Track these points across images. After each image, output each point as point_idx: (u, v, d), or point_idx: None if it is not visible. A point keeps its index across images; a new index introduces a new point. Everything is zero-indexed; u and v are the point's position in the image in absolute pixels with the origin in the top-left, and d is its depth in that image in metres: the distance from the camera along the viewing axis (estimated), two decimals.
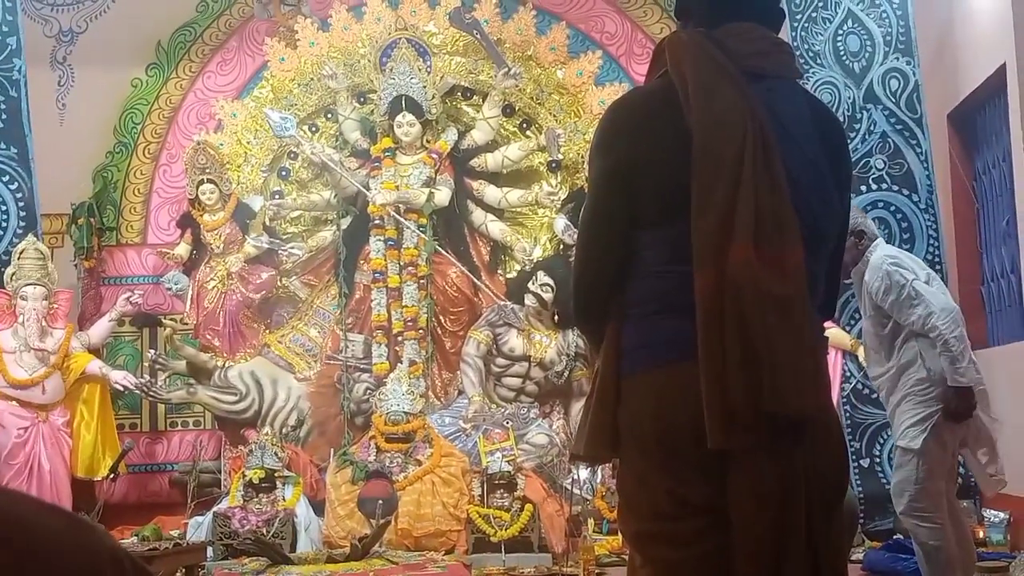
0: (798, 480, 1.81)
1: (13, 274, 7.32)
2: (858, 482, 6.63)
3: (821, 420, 1.89)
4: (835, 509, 1.92)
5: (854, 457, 6.64)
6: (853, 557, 6.21)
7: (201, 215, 8.03)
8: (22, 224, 7.54)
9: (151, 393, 7.82)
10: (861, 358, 6.67)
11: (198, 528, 6.92)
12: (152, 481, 8.11)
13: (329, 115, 8.31)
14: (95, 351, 7.80)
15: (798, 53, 6.88)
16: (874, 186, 6.74)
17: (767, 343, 1.78)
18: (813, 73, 6.85)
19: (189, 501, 7.28)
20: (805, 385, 1.81)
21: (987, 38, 6.42)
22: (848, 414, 6.70)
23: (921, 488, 4.46)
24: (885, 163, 6.75)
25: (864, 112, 6.83)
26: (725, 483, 1.81)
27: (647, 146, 1.92)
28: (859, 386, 6.72)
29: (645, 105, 2.00)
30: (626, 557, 2.01)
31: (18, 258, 7.33)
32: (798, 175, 1.89)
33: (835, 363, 6.64)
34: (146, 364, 8.11)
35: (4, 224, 7.55)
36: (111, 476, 6.94)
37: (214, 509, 7.03)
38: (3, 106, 7.54)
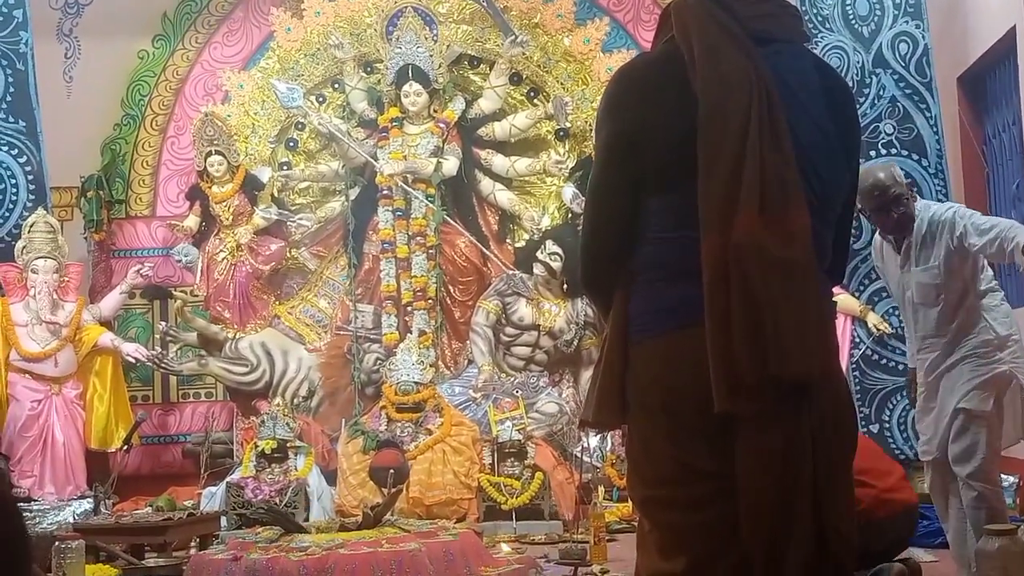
0: (804, 444, 1.82)
1: (24, 247, 7.34)
2: None
3: (828, 384, 1.89)
4: (842, 473, 1.93)
5: (863, 423, 6.65)
6: None
7: (210, 187, 8.04)
8: (32, 198, 7.55)
9: (163, 365, 7.87)
10: (871, 324, 6.67)
11: (212, 498, 6.98)
12: (165, 452, 8.18)
13: (336, 85, 8.29)
14: (106, 324, 7.84)
15: (806, 17, 6.82)
16: (883, 151, 6.70)
17: (773, 308, 1.79)
18: (822, 38, 6.80)
19: (202, 471, 7.32)
20: (811, 349, 1.82)
21: (997, 1, 6.37)
22: (857, 380, 6.70)
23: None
24: (895, 128, 6.71)
25: (873, 76, 6.79)
26: (732, 448, 1.82)
27: (653, 112, 1.92)
28: (868, 351, 6.72)
29: (651, 71, 1.99)
30: (636, 523, 2.02)
31: (28, 231, 7.35)
32: (805, 140, 1.89)
33: (844, 329, 6.63)
34: (157, 336, 8.17)
35: (14, 197, 7.56)
36: (125, 448, 6.99)
37: (227, 479, 7.08)
38: (10, 79, 7.54)
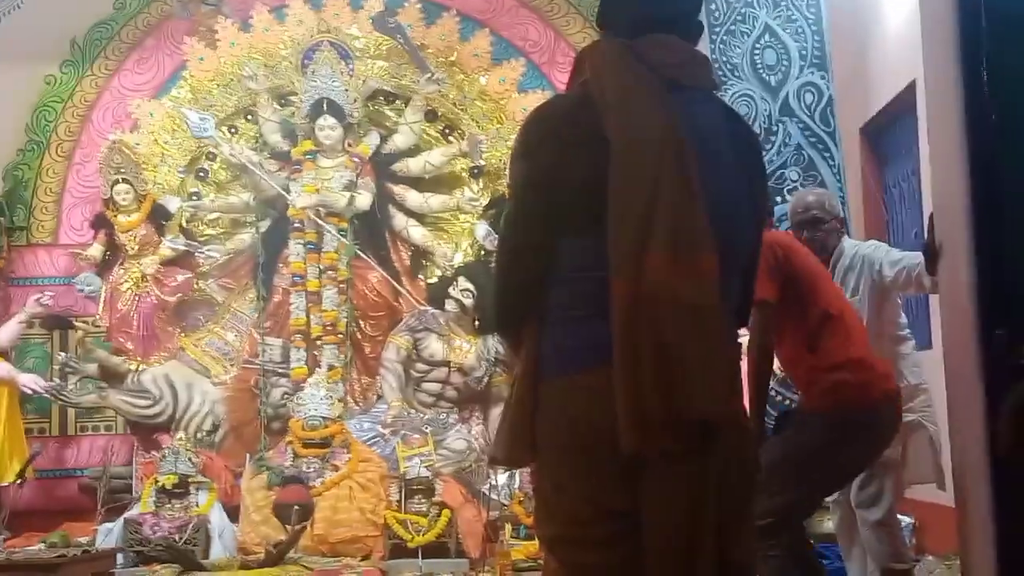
0: (709, 484, 1.85)
1: None
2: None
3: (733, 426, 1.93)
4: (746, 513, 1.96)
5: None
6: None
7: (115, 216, 7.89)
8: None
9: (61, 397, 7.65)
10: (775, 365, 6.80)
11: (108, 535, 6.78)
12: (61, 486, 7.92)
13: (249, 116, 8.21)
14: (3, 353, 7.60)
15: (716, 66, 6.99)
16: (789, 197, 6.87)
17: (681, 349, 1.82)
18: (731, 85, 6.97)
19: (99, 507, 7.12)
20: (717, 391, 1.86)
21: (898, 55, 6.61)
22: (768, 417, 6.81)
23: (896, 497, 4.54)
24: (799, 175, 6.90)
25: (780, 124, 6.98)
26: (639, 488, 1.85)
27: (566, 156, 1.94)
28: (772, 392, 6.84)
29: (565, 113, 2.02)
30: (542, 562, 2.03)
31: None
32: (714, 186, 1.93)
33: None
34: (56, 367, 7.93)
35: None
36: (18, 481, 6.79)
37: (125, 515, 6.89)
38: None
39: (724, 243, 1.93)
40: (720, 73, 6.88)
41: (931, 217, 3.73)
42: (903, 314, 4.75)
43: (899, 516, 6.19)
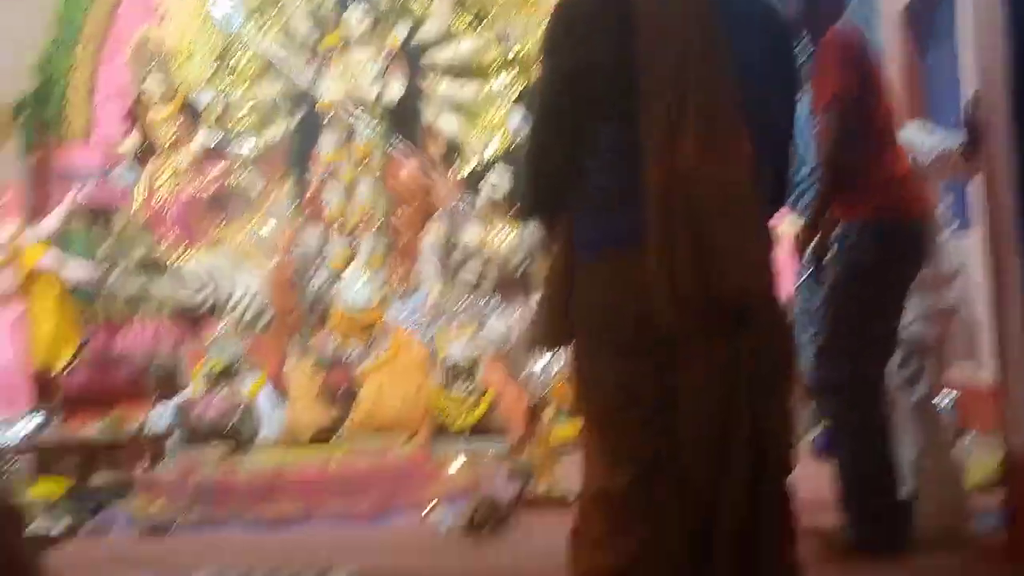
0: (744, 363, 1.91)
1: None
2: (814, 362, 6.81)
3: (767, 305, 1.98)
4: (781, 392, 2.02)
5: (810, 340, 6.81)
6: (805, 438, 6.44)
7: (148, 110, 7.92)
8: None
9: (106, 286, 7.81)
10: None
11: (160, 418, 7.00)
12: (112, 372, 8.14)
13: (278, 8, 8.13)
14: (48, 244, 7.75)
15: None
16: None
17: (713, 232, 1.86)
18: None
19: (150, 391, 7.34)
20: (750, 272, 1.90)
21: None
22: (806, 299, 6.84)
23: (937, 380, 4.54)
24: None
25: None
26: (675, 366, 1.90)
27: (596, 44, 1.95)
28: (814, 276, 6.85)
29: (594, 2, 2.02)
30: (582, 442, 2.10)
31: None
32: (746, 69, 1.94)
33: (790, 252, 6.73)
34: (100, 258, 8.08)
35: None
36: (70, 369, 6.97)
37: (175, 400, 7.11)
38: None
39: (757, 126, 1.94)
40: None
41: (975, 96, 3.69)
42: (942, 196, 4.72)
43: (941, 392, 6.25)
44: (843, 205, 3.61)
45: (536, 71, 7.43)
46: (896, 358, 4.43)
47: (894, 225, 3.60)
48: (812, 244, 3.70)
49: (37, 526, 4.35)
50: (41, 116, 8.14)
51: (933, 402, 4.52)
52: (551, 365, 7.10)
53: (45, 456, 5.64)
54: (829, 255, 3.71)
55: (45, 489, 5.23)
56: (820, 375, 3.75)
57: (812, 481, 4.85)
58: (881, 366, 3.67)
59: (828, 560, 3.49)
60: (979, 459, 4.97)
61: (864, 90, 3.54)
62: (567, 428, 6.56)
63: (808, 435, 6.47)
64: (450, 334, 7.23)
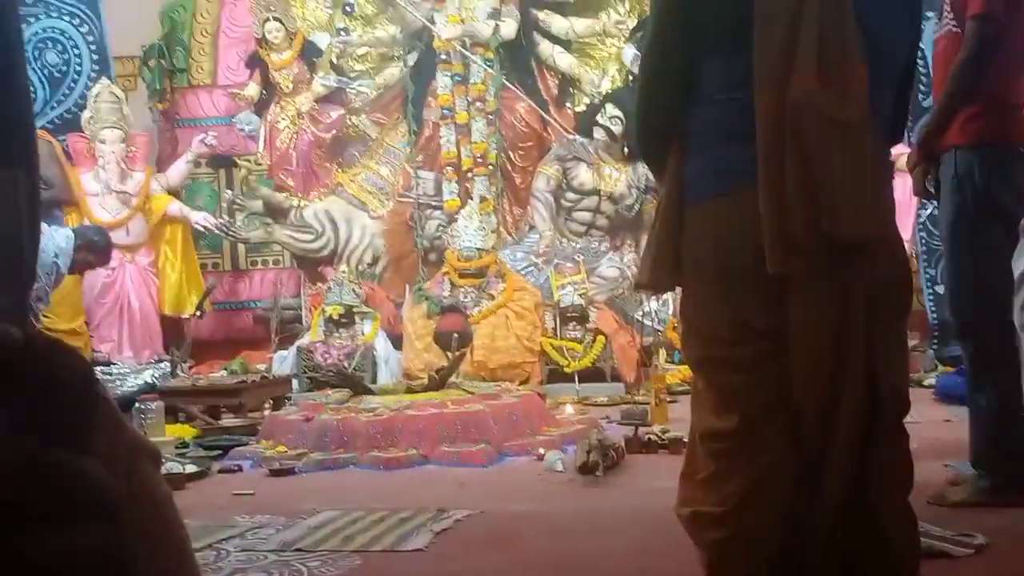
0: (857, 304, 1.83)
1: (91, 118, 7.45)
2: (933, 308, 6.61)
3: (883, 246, 1.89)
4: (897, 331, 1.94)
5: (928, 283, 6.60)
6: (926, 382, 6.27)
7: (268, 54, 8.04)
8: (95, 68, 7.62)
9: (230, 233, 8.02)
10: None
11: (283, 362, 7.20)
12: (237, 318, 8.40)
13: None
14: (174, 193, 7.99)
15: None
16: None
17: (827, 168, 1.78)
18: None
19: (273, 336, 7.54)
20: (865, 210, 1.81)
21: None
22: (924, 240, 6.62)
23: None
24: None
25: None
26: (786, 307, 1.84)
27: None
28: (935, 212, 6.62)
29: None
30: (691, 384, 2.06)
31: (94, 102, 7.45)
32: None
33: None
34: (224, 205, 8.30)
35: (79, 68, 7.64)
36: (198, 314, 7.21)
37: (297, 344, 7.29)
38: None
39: (876, 54, 1.84)
40: None
41: None
42: None
43: None
44: (958, 129, 3.40)
45: (650, 3, 7.32)
46: (1020, 297, 4.21)
47: (1007, 151, 3.38)
48: (927, 174, 3.50)
49: (169, 467, 4.52)
50: (168, 64, 8.33)
51: None
52: (663, 309, 7.04)
53: (175, 399, 5.84)
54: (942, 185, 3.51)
55: (176, 432, 5.43)
56: (953, 314, 3.58)
57: (933, 427, 4.77)
58: (1014, 304, 3.47)
59: (952, 506, 3.38)
60: None
61: (1014, 3, 3.30)
62: (680, 372, 6.51)
63: (930, 378, 6.30)
64: (563, 278, 7.21)
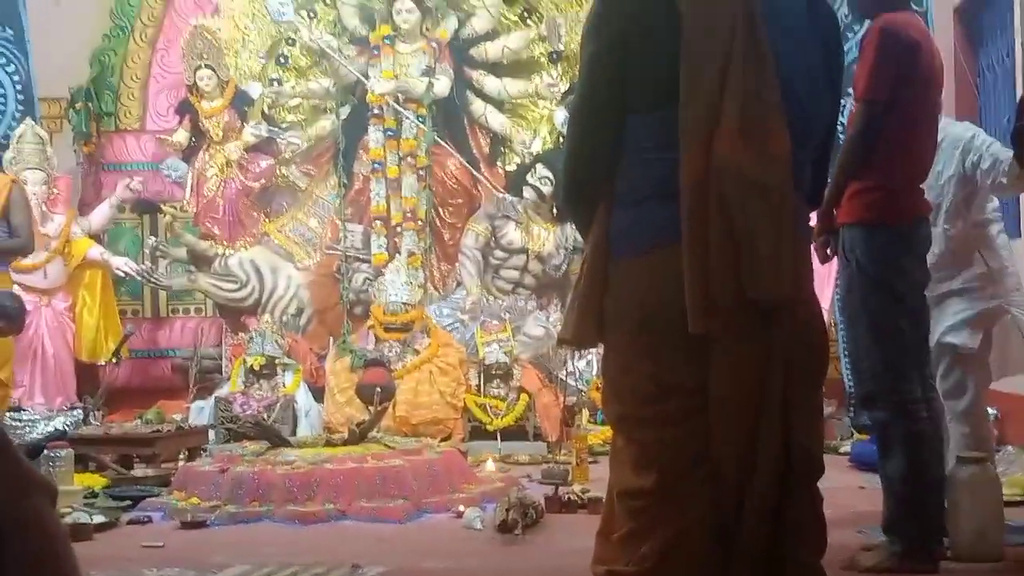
0: (776, 364, 1.86)
1: (13, 159, 7.30)
2: (849, 375, 6.72)
3: (801, 307, 1.93)
4: (812, 394, 1.97)
5: (845, 352, 6.72)
6: (842, 449, 6.36)
7: (199, 101, 7.98)
8: (20, 108, 7.50)
9: (152, 280, 7.89)
10: None
11: (200, 412, 7.07)
12: (154, 366, 8.23)
13: (328, 1, 8.18)
14: (96, 237, 7.85)
15: None
16: None
17: (748, 230, 1.81)
18: None
19: (191, 386, 7.40)
20: (785, 271, 1.85)
21: None
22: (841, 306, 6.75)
23: (981, 388, 4.39)
24: None
25: None
26: (705, 366, 1.86)
27: (637, 31, 1.92)
28: None
29: None
30: (610, 442, 2.07)
31: (17, 143, 7.31)
32: (788, 64, 1.90)
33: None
34: (147, 251, 8.16)
35: (2, 108, 7.51)
36: (114, 360, 7.05)
37: (216, 394, 7.16)
38: None
39: (798, 121, 1.89)
40: None
41: (1022, 100, 3.59)
42: (994, 198, 4.60)
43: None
44: (844, 207, 3.51)
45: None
46: (941, 367, 4.32)
47: (888, 229, 3.48)
48: (827, 245, 3.58)
49: (76, 516, 4.38)
50: (95, 107, 8.23)
51: (978, 412, 4.41)
52: (587, 370, 7.07)
53: (86, 447, 5.69)
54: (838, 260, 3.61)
55: (85, 480, 5.28)
56: (854, 386, 3.66)
57: (848, 493, 4.82)
58: (913, 375, 3.53)
59: (864, 572, 3.41)
60: (1014, 473, 4.85)
61: (897, 90, 3.42)
62: (602, 432, 6.52)
63: (846, 446, 6.39)
64: (488, 335, 7.21)
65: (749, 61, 1.84)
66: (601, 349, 2.07)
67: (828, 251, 3.59)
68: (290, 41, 8.19)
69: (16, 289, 7.21)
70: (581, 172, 2.05)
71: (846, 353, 6.66)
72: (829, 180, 3.26)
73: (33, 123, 7.44)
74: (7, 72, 7.46)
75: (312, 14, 8.18)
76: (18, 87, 7.49)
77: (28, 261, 7.27)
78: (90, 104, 8.21)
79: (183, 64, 8.06)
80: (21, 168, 7.25)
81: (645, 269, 1.93)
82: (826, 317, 6.26)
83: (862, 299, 3.50)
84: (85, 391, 7.16)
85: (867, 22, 3.68)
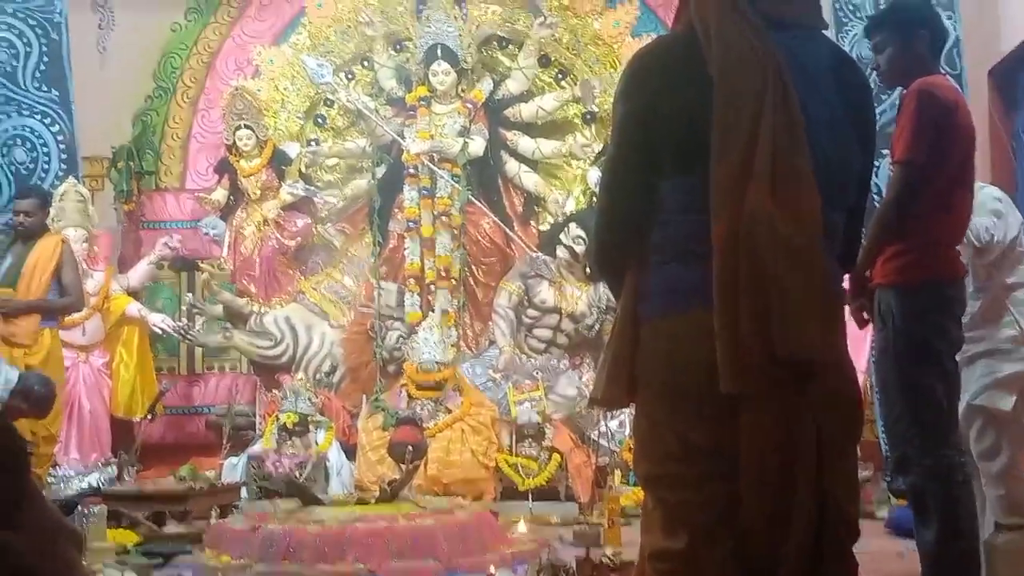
0: (808, 426, 1.84)
1: (55, 216, 7.42)
2: (885, 438, 6.63)
3: (833, 367, 1.91)
4: (846, 457, 1.95)
5: (879, 415, 6.63)
6: (879, 514, 6.25)
7: (238, 161, 8.10)
8: (63, 167, 7.63)
9: (188, 336, 7.95)
10: None
11: (232, 469, 7.07)
12: (189, 423, 8.28)
13: (365, 63, 8.32)
14: (134, 294, 7.94)
15: (837, 6, 6.78)
16: None
17: (779, 290, 1.81)
18: (852, 27, 6.76)
19: (224, 443, 7.42)
20: (817, 332, 1.84)
21: None
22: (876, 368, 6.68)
23: (1016, 449, 4.32)
24: None
25: None
26: (736, 427, 1.85)
27: (668, 93, 1.94)
28: None
29: (668, 53, 2.02)
30: (642, 502, 2.05)
31: (59, 200, 7.43)
32: (818, 124, 1.90)
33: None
34: (184, 308, 8.25)
35: (46, 166, 7.64)
36: (149, 417, 7.09)
37: (248, 451, 7.17)
38: (44, 48, 7.59)
39: (828, 182, 1.90)
40: (840, 14, 6.68)
41: None
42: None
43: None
44: (879, 268, 3.50)
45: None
46: (974, 429, 4.26)
47: (925, 290, 3.46)
48: (863, 309, 3.56)
49: (108, 574, 4.38)
50: (136, 166, 8.38)
51: (1013, 474, 4.33)
52: (620, 430, 7.02)
53: (119, 503, 5.71)
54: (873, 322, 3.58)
55: (118, 537, 5.28)
56: (889, 449, 3.60)
57: (884, 559, 4.73)
58: (948, 438, 3.48)
59: None
60: None
61: (935, 152, 3.43)
62: (634, 493, 6.46)
63: (883, 510, 6.29)
64: (520, 394, 7.19)
65: (779, 122, 1.85)
66: (633, 409, 2.06)
67: (864, 315, 3.57)
68: (328, 102, 8.33)
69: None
70: (612, 233, 2.06)
71: (882, 415, 6.58)
72: (863, 241, 3.29)
73: (75, 181, 7.57)
74: (52, 132, 7.61)
75: (350, 76, 8.33)
76: (62, 146, 7.64)
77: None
78: (131, 163, 8.37)
79: (223, 124, 8.21)
80: (63, 225, 7.37)
81: (674, 330, 1.93)
82: (861, 379, 6.20)
83: (897, 361, 3.47)
84: (120, 447, 7.19)
85: (899, 88, 3.69)
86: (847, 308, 3.56)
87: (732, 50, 1.88)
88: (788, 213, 1.82)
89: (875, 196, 5.58)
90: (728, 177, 1.84)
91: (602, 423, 7.03)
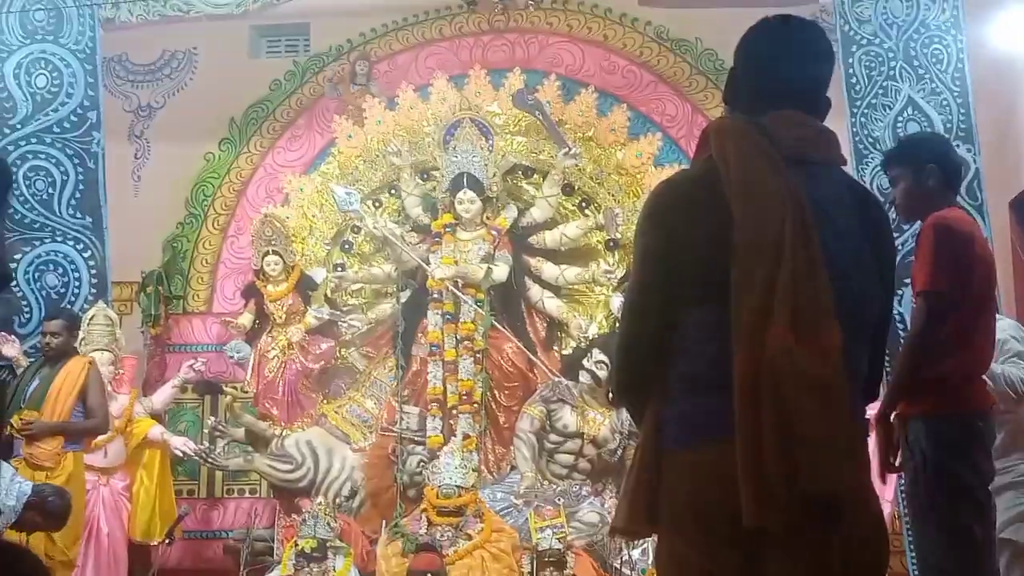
0: (832, 560, 1.83)
1: (83, 339, 7.51)
2: (915, 571, 6.48)
3: (858, 501, 1.90)
4: None
5: (909, 547, 6.49)
6: None
7: (265, 286, 8.20)
8: (93, 291, 7.75)
9: (209, 460, 7.92)
10: None
11: None
12: (207, 547, 8.18)
13: (392, 191, 8.49)
14: (157, 417, 7.95)
15: (857, 139, 6.90)
16: None
17: (803, 424, 1.81)
18: (872, 159, 6.86)
19: (242, 568, 7.32)
20: (841, 466, 1.83)
21: None
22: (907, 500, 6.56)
23: None
24: None
25: None
26: (759, 561, 1.83)
27: (690, 228, 1.98)
28: None
29: (689, 188, 2.07)
30: None
31: (88, 324, 7.52)
32: (838, 259, 1.94)
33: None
34: (206, 431, 8.24)
35: (76, 290, 7.77)
36: (167, 541, 7.02)
37: None
38: (81, 177, 7.78)
39: (850, 316, 1.92)
40: (861, 147, 6.79)
41: None
42: None
43: None
44: (907, 399, 3.49)
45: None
46: (1002, 562, 4.17)
47: (955, 421, 3.43)
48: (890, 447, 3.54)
49: None
50: (165, 290, 8.51)
51: None
52: (643, 559, 6.89)
53: None
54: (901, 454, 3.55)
55: None
56: None
57: None
58: (982, 571, 3.42)
59: None
60: None
61: (956, 281, 3.45)
62: None
63: None
64: (542, 520, 7.09)
65: (800, 256, 1.88)
66: (656, 538, 2.05)
67: (892, 460, 3.55)
68: (355, 229, 8.48)
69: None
70: (633, 361, 2.08)
71: (911, 547, 6.44)
72: (887, 373, 3.29)
73: (104, 305, 7.68)
74: (84, 257, 7.76)
75: (377, 203, 8.49)
76: (92, 271, 7.77)
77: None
78: (160, 287, 8.49)
79: (252, 250, 8.34)
80: (90, 349, 7.44)
81: (697, 462, 1.92)
82: (889, 509, 6.10)
83: (928, 493, 3.43)
84: (137, 572, 7.11)
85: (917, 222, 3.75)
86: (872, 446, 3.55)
87: (752, 187, 1.93)
88: (810, 348, 1.84)
89: (899, 325, 5.59)
90: (750, 311, 1.87)
91: (624, 551, 6.90)
